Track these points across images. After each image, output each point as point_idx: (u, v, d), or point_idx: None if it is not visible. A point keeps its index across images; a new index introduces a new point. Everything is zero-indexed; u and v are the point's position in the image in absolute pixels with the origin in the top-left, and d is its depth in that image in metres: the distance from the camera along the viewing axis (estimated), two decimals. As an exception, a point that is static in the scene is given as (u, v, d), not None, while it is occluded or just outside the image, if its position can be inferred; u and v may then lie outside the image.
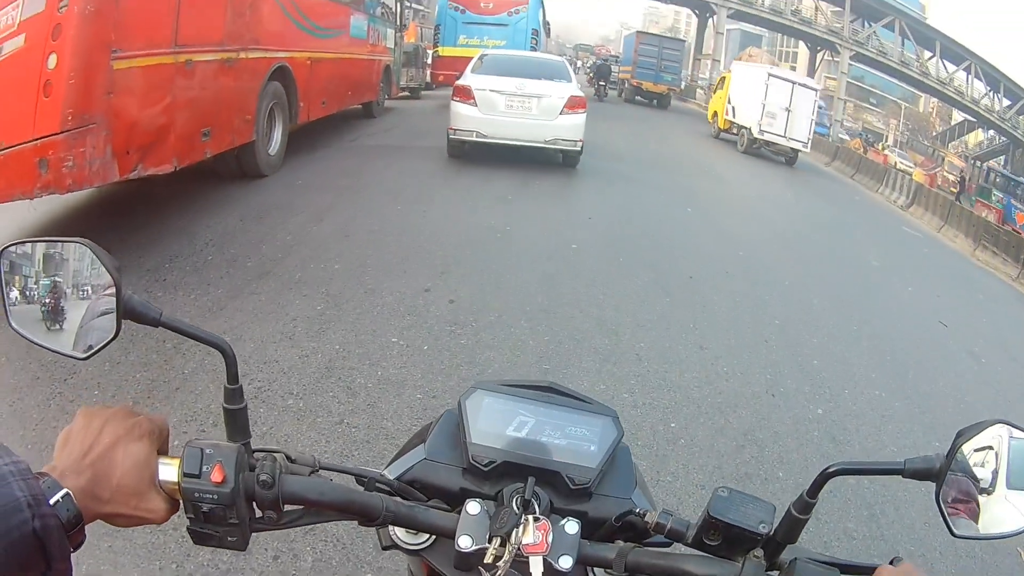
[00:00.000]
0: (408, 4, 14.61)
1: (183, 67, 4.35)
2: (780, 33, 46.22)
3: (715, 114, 18.03)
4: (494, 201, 6.52)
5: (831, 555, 0.62)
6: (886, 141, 42.12)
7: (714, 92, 19.27)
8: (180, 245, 4.29)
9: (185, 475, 0.55)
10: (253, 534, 0.59)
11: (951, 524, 0.61)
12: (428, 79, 15.93)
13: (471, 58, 9.48)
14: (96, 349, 0.59)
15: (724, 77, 18.51)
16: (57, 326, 0.59)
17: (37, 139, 3.25)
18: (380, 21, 11.11)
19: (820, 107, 17.11)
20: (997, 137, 38.88)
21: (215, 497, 0.54)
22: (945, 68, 36.89)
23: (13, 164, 3.26)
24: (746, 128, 15.59)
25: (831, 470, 0.60)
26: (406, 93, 14.57)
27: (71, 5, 3.29)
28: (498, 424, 0.68)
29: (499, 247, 5.14)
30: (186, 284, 3.76)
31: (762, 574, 0.59)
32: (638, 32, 28.54)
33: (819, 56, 40.65)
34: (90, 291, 0.59)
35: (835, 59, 38.25)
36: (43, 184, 3.30)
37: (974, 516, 0.62)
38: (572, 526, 0.61)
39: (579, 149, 8.07)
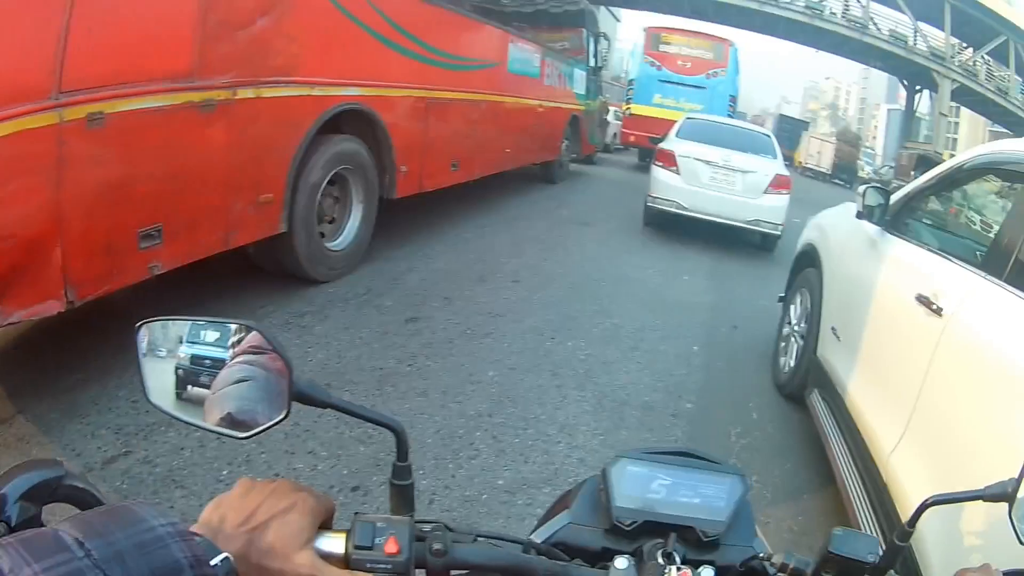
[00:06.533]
0: (606, 41, 11.39)
1: (82, 126, 2.41)
2: (996, 123, 36.28)
3: (797, 159, 32.04)
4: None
5: None
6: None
7: (796, 153, 32.60)
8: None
9: (356, 547, 0.57)
10: None
11: (1020, 535, 0.69)
12: (606, 140, 14.29)
13: (664, 119, 8.75)
14: (261, 429, 0.60)
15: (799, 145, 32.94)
16: (215, 406, 0.59)
17: None
18: (561, 57, 8.90)
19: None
20: None
21: (389, 567, 0.57)
22: None
23: None
24: (801, 162, 30.98)
25: (928, 502, 0.71)
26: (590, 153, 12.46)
27: None
28: (639, 488, 0.72)
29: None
30: None
31: None
32: (780, 115, 43.62)
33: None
34: (257, 373, 0.59)
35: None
36: None
37: None
38: (708, 572, 0.67)
39: (779, 233, 7.04)
